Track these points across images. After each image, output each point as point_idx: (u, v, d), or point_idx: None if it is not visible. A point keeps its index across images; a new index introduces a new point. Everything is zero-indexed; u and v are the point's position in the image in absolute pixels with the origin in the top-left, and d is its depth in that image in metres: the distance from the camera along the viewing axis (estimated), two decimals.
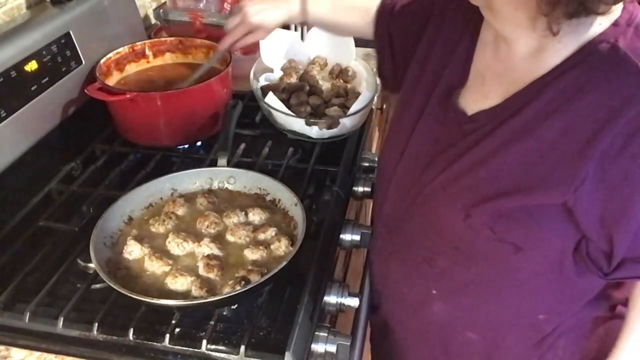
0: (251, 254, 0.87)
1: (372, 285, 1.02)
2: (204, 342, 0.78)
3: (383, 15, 0.98)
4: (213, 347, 0.79)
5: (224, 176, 1.04)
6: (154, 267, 0.85)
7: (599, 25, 0.67)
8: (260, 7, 1.02)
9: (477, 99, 0.78)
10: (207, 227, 0.93)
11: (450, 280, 0.83)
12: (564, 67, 0.69)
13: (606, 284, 0.80)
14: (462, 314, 0.86)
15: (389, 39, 0.97)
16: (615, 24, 0.67)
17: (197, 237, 0.91)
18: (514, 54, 0.73)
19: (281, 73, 1.36)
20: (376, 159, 1.28)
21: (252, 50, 1.53)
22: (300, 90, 1.28)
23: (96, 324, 0.80)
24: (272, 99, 1.19)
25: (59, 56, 1.12)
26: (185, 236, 0.90)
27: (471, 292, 0.83)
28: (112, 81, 1.25)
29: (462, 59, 0.82)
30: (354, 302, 0.89)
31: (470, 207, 0.74)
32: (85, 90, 1.12)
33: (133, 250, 0.88)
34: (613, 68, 0.66)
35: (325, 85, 1.34)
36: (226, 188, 1.04)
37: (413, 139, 0.85)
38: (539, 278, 0.77)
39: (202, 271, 0.85)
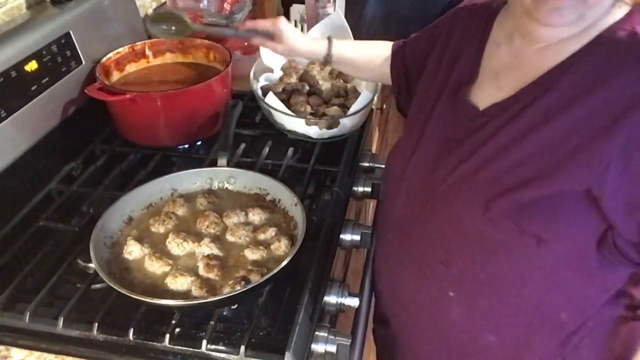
0: (251, 254, 0.87)
1: (380, 297, 1.00)
2: (204, 342, 0.78)
3: (397, 48, 1.04)
4: (213, 347, 0.79)
5: (224, 176, 1.04)
6: (154, 267, 0.85)
7: (616, 13, 0.69)
8: (295, 28, 1.06)
9: (489, 93, 0.79)
10: (207, 227, 0.93)
11: (469, 280, 0.81)
12: (582, 54, 0.70)
13: (627, 280, 0.79)
14: (482, 316, 0.84)
15: (404, 71, 1.02)
16: (630, 12, 0.69)
17: (197, 237, 0.91)
18: (531, 46, 0.75)
19: (281, 73, 1.36)
20: (376, 158, 1.28)
21: (252, 50, 1.54)
22: (300, 90, 1.28)
23: (96, 324, 0.80)
24: (272, 99, 1.19)
25: (59, 56, 1.12)
26: (185, 236, 0.90)
27: (491, 292, 0.81)
28: (112, 81, 1.25)
29: (471, 58, 0.83)
30: (354, 302, 0.89)
31: (490, 200, 0.73)
32: (85, 90, 1.12)
33: (133, 250, 0.88)
34: (634, 54, 0.66)
35: (325, 85, 1.34)
36: (226, 188, 1.04)
37: (423, 140, 0.85)
38: (561, 272, 0.76)
39: (202, 271, 0.85)
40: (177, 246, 0.89)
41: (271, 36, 1.03)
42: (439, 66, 0.89)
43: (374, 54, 1.07)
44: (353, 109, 1.19)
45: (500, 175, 0.73)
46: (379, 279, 0.99)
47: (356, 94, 1.28)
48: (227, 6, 1.52)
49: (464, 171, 0.77)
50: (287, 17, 1.70)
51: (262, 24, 1.04)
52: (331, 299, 0.89)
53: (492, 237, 0.75)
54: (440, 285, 0.84)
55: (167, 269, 0.85)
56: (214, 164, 1.07)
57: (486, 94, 0.80)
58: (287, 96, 1.26)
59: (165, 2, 1.55)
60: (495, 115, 0.76)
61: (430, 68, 0.92)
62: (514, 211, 0.72)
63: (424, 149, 0.84)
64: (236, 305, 0.87)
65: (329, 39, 1.05)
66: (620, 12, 0.69)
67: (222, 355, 0.78)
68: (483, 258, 0.78)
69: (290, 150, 1.18)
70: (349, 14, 1.51)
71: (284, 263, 0.81)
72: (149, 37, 1.45)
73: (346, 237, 1.01)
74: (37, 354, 0.80)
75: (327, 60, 1.06)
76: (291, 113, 1.18)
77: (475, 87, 0.81)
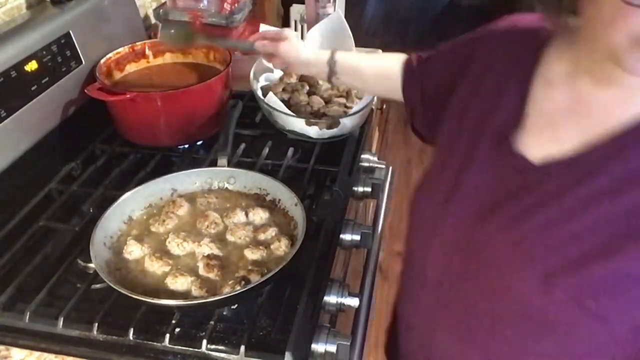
0: (251, 254, 0.87)
1: (407, 350, 0.92)
2: (204, 342, 0.78)
3: (412, 65, 0.91)
4: (213, 347, 0.79)
5: (224, 176, 1.04)
6: (154, 267, 0.86)
7: None
8: (299, 42, 1.00)
9: (543, 144, 0.67)
10: (207, 227, 0.93)
11: (519, 353, 0.72)
12: None
13: None
14: None
15: (421, 93, 0.89)
16: None
17: (197, 237, 0.91)
18: (603, 91, 0.63)
19: (281, 73, 1.36)
20: (376, 158, 1.28)
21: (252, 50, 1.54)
22: (300, 90, 1.28)
23: (96, 324, 0.80)
24: (272, 99, 1.19)
25: (59, 56, 1.12)
26: (185, 236, 0.90)
27: None
28: (112, 81, 1.25)
29: (516, 97, 0.71)
30: (354, 302, 0.89)
31: (550, 275, 0.63)
32: (85, 90, 1.12)
33: (133, 250, 0.88)
34: None
35: (325, 85, 1.34)
36: (226, 188, 1.04)
37: (460, 190, 0.73)
38: (618, 343, 0.68)
39: (202, 271, 0.85)
40: (177, 246, 0.89)
41: (275, 40, 1.00)
42: (473, 98, 0.76)
43: (386, 66, 0.95)
44: (353, 109, 1.19)
45: (561, 245, 0.63)
46: (410, 333, 0.91)
47: (356, 93, 1.28)
48: (227, 6, 1.52)
49: (517, 236, 0.66)
50: (287, 17, 1.70)
51: (265, 35, 1.02)
52: (331, 299, 0.89)
53: (548, 312, 0.66)
54: (484, 355, 0.76)
55: (167, 269, 0.85)
56: (214, 164, 1.07)
57: (539, 144, 0.67)
58: (287, 96, 1.27)
59: (165, 2, 1.55)
60: (555, 173, 0.64)
61: (460, 99, 0.78)
62: (577, 289, 0.62)
63: (462, 201, 0.73)
64: (236, 305, 0.87)
65: (333, 50, 0.99)
66: None
67: (222, 355, 0.78)
68: (535, 330, 0.69)
69: (290, 150, 1.18)
70: (349, 14, 1.51)
71: (284, 263, 0.81)
72: (149, 37, 1.45)
73: (346, 237, 1.01)
74: (37, 354, 0.80)
75: (331, 70, 0.97)
76: (291, 113, 1.18)
77: (524, 134, 0.69)
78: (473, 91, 0.76)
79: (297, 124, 1.18)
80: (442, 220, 0.75)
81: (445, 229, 0.75)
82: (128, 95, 1.11)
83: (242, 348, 0.77)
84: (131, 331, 0.79)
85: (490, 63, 0.75)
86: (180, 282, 0.82)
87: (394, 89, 0.93)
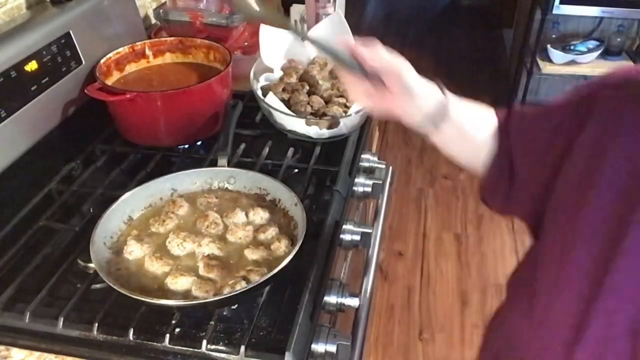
0: (251, 254, 0.88)
1: None
2: (204, 342, 0.78)
3: (502, 137, 0.73)
4: (213, 347, 0.79)
5: (224, 176, 1.04)
6: (154, 267, 0.86)
7: None
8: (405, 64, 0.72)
9: None
10: (207, 227, 0.93)
11: None
12: None
13: None
14: None
15: (508, 154, 0.71)
16: None
17: (198, 237, 0.91)
18: None
19: (281, 73, 1.36)
20: (376, 158, 1.28)
21: (252, 50, 1.54)
22: (300, 90, 1.28)
23: (96, 324, 0.80)
24: (272, 99, 1.19)
25: (59, 56, 1.12)
26: (186, 236, 0.90)
27: None
28: (112, 81, 1.25)
29: None
30: (354, 302, 0.89)
31: None
32: (85, 90, 1.12)
33: (133, 250, 0.88)
34: None
35: (325, 85, 1.34)
36: (226, 188, 1.04)
37: (593, 321, 0.56)
38: None
39: (202, 271, 0.85)
40: (177, 246, 0.89)
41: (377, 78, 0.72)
42: (595, 185, 0.56)
43: (482, 132, 0.74)
44: (353, 109, 1.19)
45: None
46: None
47: None
48: (227, 6, 1.52)
49: None
50: (287, 17, 1.70)
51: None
52: (331, 299, 0.89)
53: None
54: None
55: (167, 269, 0.85)
56: (214, 164, 1.07)
57: None
58: (287, 96, 1.27)
59: (165, 2, 1.55)
60: None
61: (571, 180, 0.59)
62: None
63: (598, 333, 0.56)
64: (236, 305, 0.87)
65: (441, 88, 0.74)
66: None
67: (222, 355, 0.78)
68: None
69: (290, 150, 1.18)
70: (349, 14, 1.51)
71: (284, 263, 0.81)
72: (149, 37, 1.45)
73: (346, 237, 1.01)
74: (37, 354, 0.80)
75: (441, 113, 0.72)
76: (291, 113, 1.18)
77: None
78: (588, 174, 0.57)
79: (297, 124, 1.18)
80: (571, 352, 0.59)
81: None
82: (128, 95, 1.11)
83: (242, 348, 0.77)
84: (131, 331, 0.79)
85: (611, 127, 0.56)
86: (180, 282, 0.82)
87: (478, 158, 0.75)
